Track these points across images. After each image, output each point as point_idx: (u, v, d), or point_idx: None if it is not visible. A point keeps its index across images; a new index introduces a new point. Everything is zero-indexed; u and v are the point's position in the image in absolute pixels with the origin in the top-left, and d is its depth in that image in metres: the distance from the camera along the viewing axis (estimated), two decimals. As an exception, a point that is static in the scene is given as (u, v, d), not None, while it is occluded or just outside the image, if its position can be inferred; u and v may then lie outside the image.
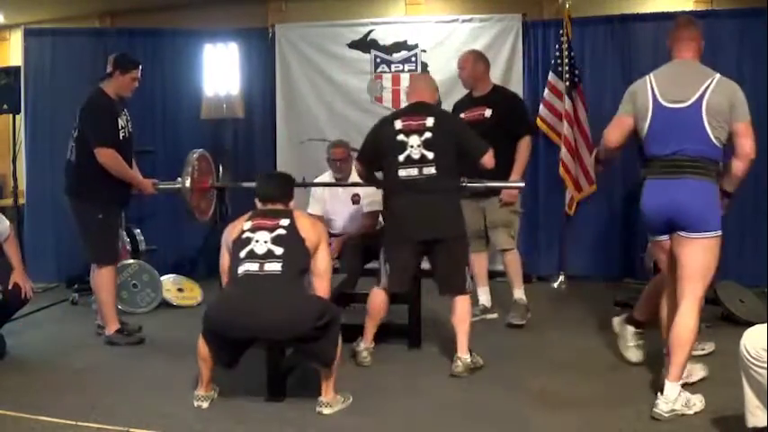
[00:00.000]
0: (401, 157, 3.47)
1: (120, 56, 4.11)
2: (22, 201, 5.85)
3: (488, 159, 3.53)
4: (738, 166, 2.99)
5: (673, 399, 2.80)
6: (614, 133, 3.14)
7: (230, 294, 2.97)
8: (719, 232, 2.91)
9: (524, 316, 4.34)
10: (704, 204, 2.90)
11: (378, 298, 3.62)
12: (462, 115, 4.33)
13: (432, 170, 3.45)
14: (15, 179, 5.67)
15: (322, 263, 3.07)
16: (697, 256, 2.88)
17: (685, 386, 2.92)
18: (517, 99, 4.76)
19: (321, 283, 3.07)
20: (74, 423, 2.84)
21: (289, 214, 3.08)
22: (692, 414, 2.82)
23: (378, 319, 3.64)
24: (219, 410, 2.98)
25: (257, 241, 2.96)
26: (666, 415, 2.78)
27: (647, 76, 3.04)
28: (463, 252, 3.58)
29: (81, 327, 4.21)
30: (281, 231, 2.98)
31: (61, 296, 5.27)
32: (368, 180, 3.89)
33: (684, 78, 2.98)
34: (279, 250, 2.93)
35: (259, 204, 3.18)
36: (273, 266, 2.90)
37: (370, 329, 3.63)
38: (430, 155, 3.45)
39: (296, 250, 2.97)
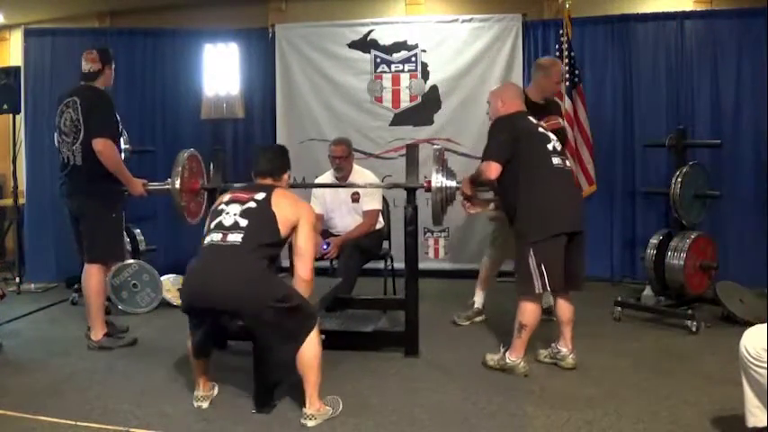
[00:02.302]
0: (549, 147, 3.42)
1: (102, 51, 4.07)
2: (22, 201, 5.85)
3: None
4: None
5: None
6: None
7: (193, 264, 2.95)
8: None
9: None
10: None
11: (538, 311, 3.42)
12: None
13: (570, 164, 3.59)
14: (15, 179, 5.66)
15: (302, 241, 2.92)
16: None
17: None
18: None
19: (300, 263, 2.91)
20: (74, 423, 2.84)
21: (269, 189, 2.99)
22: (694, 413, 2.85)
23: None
24: (219, 411, 2.98)
25: (227, 213, 2.93)
26: None
27: None
28: None
29: (80, 327, 4.19)
30: (252, 204, 2.92)
31: (61, 296, 5.28)
32: (489, 185, 3.50)
33: None
34: (244, 222, 2.87)
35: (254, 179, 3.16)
36: (235, 237, 2.84)
37: (526, 343, 3.43)
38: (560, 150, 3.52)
39: (261, 224, 2.88)
